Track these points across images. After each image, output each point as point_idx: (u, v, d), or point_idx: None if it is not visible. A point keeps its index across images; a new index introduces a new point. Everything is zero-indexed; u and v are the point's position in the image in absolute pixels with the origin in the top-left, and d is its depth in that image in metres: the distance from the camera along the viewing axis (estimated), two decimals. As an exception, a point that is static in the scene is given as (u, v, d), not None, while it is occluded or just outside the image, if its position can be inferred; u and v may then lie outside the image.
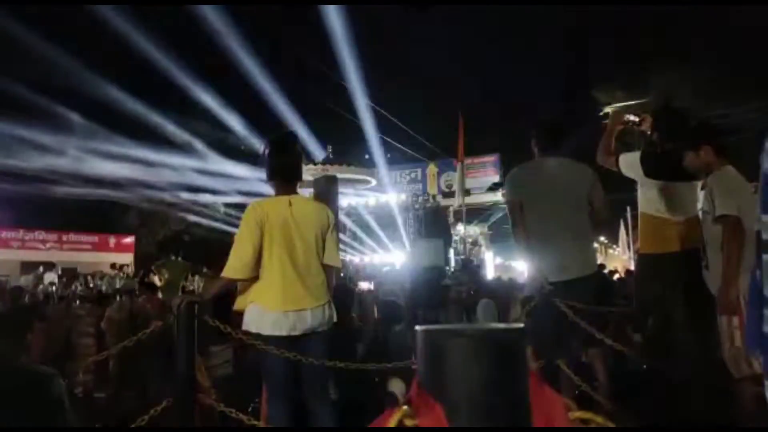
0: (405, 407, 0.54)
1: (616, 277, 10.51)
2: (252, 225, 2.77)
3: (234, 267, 2.76)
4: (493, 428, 0.51)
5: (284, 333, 2.75)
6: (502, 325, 0.57)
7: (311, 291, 2.83)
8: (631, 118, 3.94)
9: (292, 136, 3.12)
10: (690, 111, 3.96)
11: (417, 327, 0.56)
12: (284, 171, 2.94)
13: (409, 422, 0.52)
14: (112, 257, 18.59)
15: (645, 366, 3.79)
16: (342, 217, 16.06)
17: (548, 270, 3.27)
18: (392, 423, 0.52)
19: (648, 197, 3.55)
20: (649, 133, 3.75)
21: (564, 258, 3.30)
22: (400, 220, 16.60)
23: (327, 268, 2.97)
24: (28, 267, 16.36)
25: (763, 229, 0.96)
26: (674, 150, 3.54)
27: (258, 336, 2.76)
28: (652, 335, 3.53)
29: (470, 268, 13.71)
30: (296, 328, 2.77)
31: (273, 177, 2.95)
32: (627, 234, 18.51)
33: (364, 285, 10.68)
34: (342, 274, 10.67)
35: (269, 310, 2.78)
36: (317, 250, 2.91)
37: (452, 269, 12.26)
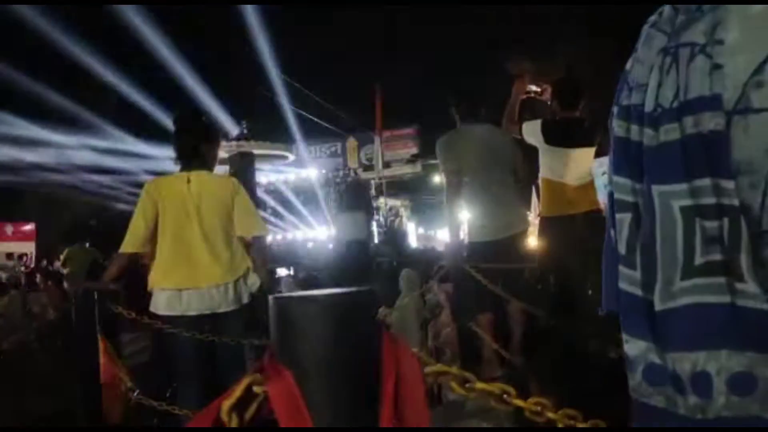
0: (254, 375, 0.54)
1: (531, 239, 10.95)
2: (145, 201, 2.78)
3: (127, 241, 2.77)
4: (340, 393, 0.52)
5: (177, 312, 2.67)
6: (351, 289, 0.59)
7: (212, 269, 2.75)
8: (533, 88, 4.15)
9: (192, 114, 3.04)
10: (585, 81, 4.21)
11: (269, 297, 0.57)
12: (183, 150, 2.89)
13: (257, 389, 0.53)
14: (12, 246, 17.24)
15: (551, 323, 4.04)
16: (262, 195, 15.69)
17: (496, 229, 3.54)
18: (239, 389, 0.52)
19: (548, 163, 3.77)
20: (549, 102, 3.96)
21: (509, 215, 3.62)
22: (321, 196, 16.48)
23: (248, 240, 2.92)
24: None
25: (615, 190, 0.99)
26: (570, 117, 3.78)
27: (157, 316, 2.70)
28: (554, 292, 3.78)
29: (393, 239, 13.89)
30: (191, 307, 2.69)
31: (176, 155, 2.90)
32: (538, 199, 19.39)
33: (282, 271, 9.45)
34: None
35: (163, 289, 2.72)
36: (223, 225, 2.83)
37: (375, 241, 12.35)
